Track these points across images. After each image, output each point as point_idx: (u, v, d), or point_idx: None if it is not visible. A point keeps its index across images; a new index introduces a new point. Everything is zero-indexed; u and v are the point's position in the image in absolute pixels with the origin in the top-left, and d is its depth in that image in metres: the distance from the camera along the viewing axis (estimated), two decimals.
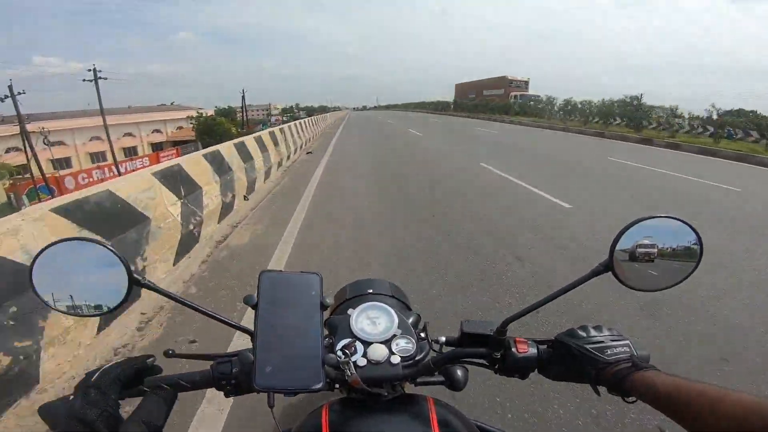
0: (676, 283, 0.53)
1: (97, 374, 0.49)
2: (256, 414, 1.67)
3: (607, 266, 0.51)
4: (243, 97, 45.76)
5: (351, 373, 0.51)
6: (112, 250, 0.48)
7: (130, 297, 0.49)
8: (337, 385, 0.57)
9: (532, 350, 0.57)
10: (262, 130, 8.10)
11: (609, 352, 0.51)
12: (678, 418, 0.41)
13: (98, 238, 0.51)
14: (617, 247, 0.51)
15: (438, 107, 55.82)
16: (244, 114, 47.25)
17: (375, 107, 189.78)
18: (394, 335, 0.58)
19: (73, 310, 0.49)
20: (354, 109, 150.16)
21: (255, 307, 0.49)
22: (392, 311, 0.61)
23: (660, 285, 0.53)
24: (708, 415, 0.38)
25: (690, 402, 0.40)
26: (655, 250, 0.52)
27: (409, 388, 0.62)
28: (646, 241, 0.52)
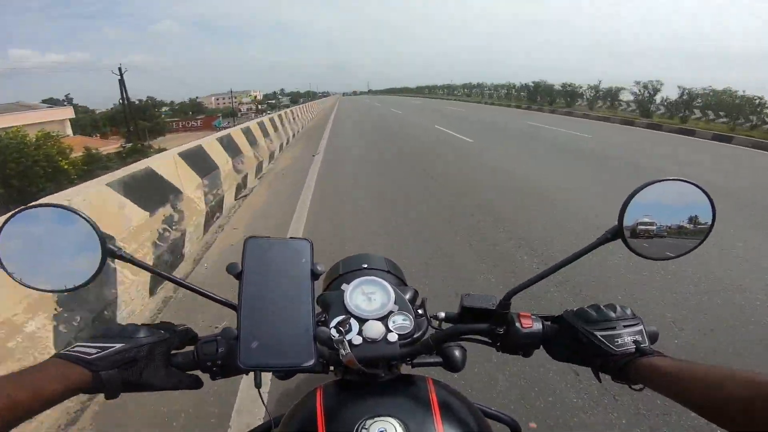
0: (687, 251, 0.52)
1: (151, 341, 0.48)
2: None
3: (616, 233, 0.50)
4: (121, 81, 26.83)
5: (346, 351, 0.48)
6: (85, 218, 0.45)
7: (104, 269, 0.47)
8: (331, 367, 0.56)
9: (537, 326, 0.55)
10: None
11: (618, 342, 0.49)
12: (685, 402, 0.41)
13: (69, 204, 0.48)
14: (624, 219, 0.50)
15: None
16: (126, 108, 27.37)
17: (369, 92, 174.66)
18: (391, 312, 0.55)
19: (42, 284, 0.46)
20: (344, 94, 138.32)
21: (239, 276, 0.46)
22: (388, 286, 0.59)
23: (671, 253, 0.52)
24: (714, 398, 0.38)
25: (695, 385, 0.40)
26: (654, 228, 0.51)
27: (406, 370, 0.60)
28: (646, 219, 0.51)
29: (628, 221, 0.50)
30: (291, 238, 0.50)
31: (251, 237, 0.48)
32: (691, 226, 0.51)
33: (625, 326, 0.51)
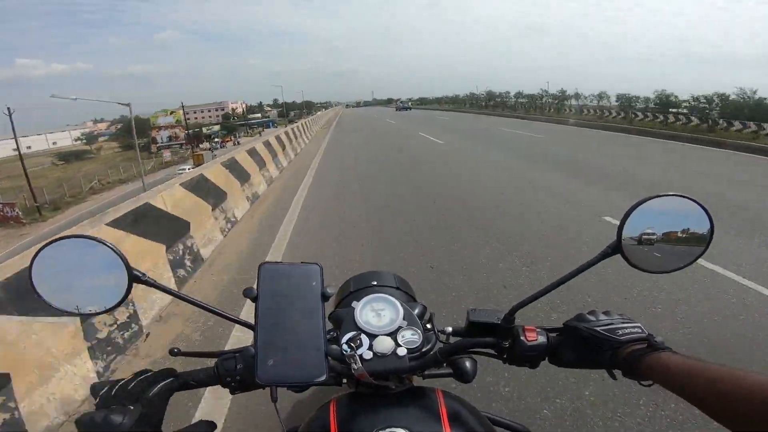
0: (686, 264, 0.56)
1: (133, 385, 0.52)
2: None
3: (616, 248, 0.54)
4: None
5: (357, 366, 0.53)
6: (111, 248, 0.51)
7: (129, 293, 0.52)
8: (344, 380, 0.61)
9: (542, 338, 0.59)
10: None
11: (621, 332, 0.54)
12: (697, 403, 0.42)
13: (99, 237, 0.54)
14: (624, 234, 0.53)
15: None
16: None
17: (389, 101, 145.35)
18: (400, 327, 0.61)
19: (74, 309, 0.52)
20: (347, 105, 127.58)
21: (255, 299, 0.51)
22: (397, 303, 0.64)
23: (669, 267, 0.56)
24: (728, 400, 0.38)
25: (709, 385, 0.41)
26: (656, 236, 0.55)
27: (418, 382, 0.65)
28: (649, 230, 0.55)
29: (629, 235, 0.54)
30: (302, 262, 0.54)
31: (265, 263, 0.53)
32: (689, 238, 0.54)
33: (623, 322, 0.56)
